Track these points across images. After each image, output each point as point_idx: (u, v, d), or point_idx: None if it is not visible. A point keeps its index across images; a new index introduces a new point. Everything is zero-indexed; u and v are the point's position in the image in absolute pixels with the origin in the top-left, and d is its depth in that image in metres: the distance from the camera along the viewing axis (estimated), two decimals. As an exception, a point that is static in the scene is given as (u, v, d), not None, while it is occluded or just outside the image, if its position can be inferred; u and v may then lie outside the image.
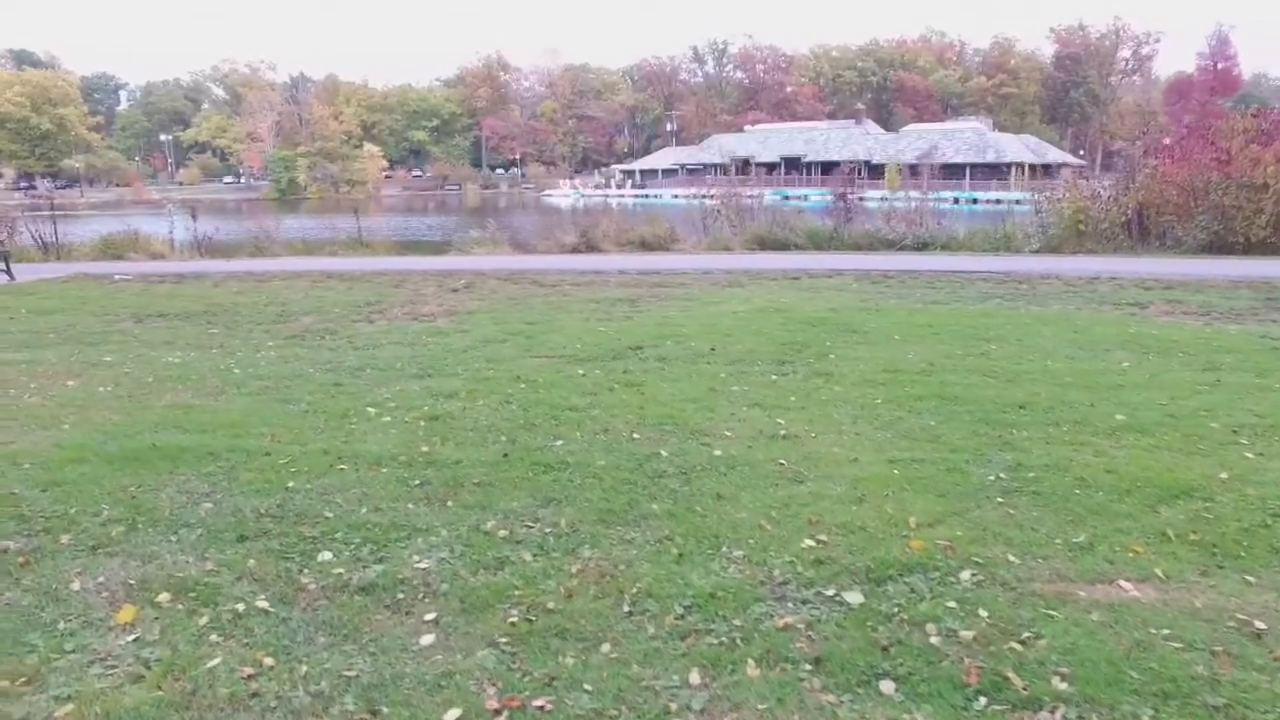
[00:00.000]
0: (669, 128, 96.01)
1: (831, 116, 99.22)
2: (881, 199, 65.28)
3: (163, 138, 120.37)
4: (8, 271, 12.95)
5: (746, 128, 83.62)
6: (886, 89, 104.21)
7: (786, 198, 73.71)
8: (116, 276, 12.95)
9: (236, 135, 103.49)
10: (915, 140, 68.71)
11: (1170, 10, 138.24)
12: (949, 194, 66.15)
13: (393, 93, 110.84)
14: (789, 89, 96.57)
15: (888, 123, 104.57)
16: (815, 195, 73.45)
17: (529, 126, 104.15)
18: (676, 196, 78.28)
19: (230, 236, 36.57)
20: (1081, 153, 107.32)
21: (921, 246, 16.14)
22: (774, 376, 5.50)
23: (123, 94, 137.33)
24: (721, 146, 78.63)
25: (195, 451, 3.91)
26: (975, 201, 63.03)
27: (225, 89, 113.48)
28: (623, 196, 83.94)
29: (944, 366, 5.69)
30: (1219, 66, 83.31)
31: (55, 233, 19.62)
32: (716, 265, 12.94)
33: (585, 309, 8.76)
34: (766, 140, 76.48)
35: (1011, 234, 16.43)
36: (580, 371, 5.68)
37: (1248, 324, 7.69)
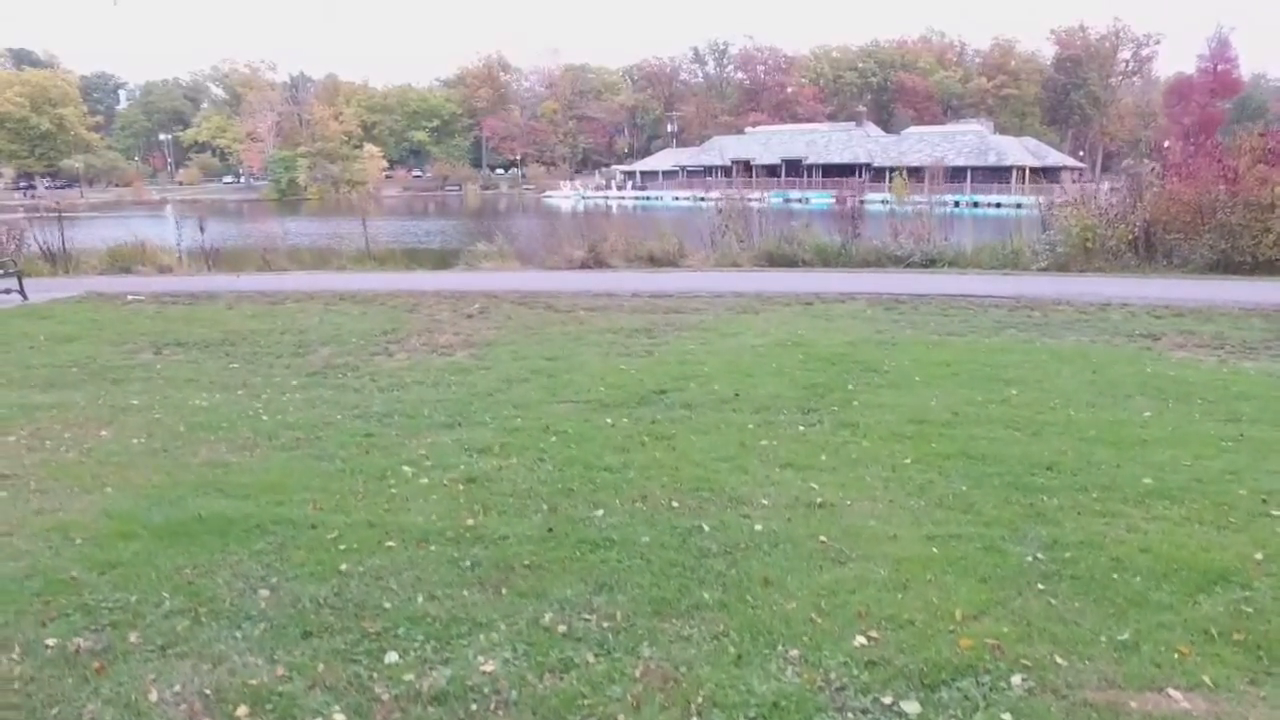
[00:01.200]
0: (669, 129, 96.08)
1: (832, 118, 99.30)
2: (883, 202, 65.22)
3: (162, 137, 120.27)
4: (21, 291, 13.00)
5: (747, 129, 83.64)
6: (887, 90, 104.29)
7: (788, 200, 73.99)
8: (129, 297, 12.98)
9: (236, 135, 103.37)
10: (916, 143, 68.80)
11: (1170, 11, 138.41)
12: (950, 197, 66.34)
13: (393, 93, 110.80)
14: (789, 90, 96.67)
15: (888, 124, 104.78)
16: (816, 198, 73.66)
17: (529, 127, 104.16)
18: (677, 199, 78.39)
19: (235, 242, 36.64)
20: (1081, 154, 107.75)
21: (929, 263, 16.21)
22: (801, 428, 5.57)
23: (122, 93, 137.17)
24: (722, 148, 78.72)
25: (242, 524, 3.97)
26: (976, 205, 63.23)
27: (225, 89, 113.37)
28: (623, 199, 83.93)
29: (968, 416, 5.76)
30: (1219, 69, 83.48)
31: (62, 243, 19.65)
32: (727, 286, 13.00)
33: (603, 340, 8.82)
34: (767, 142, 76.54)
35: (1019, 250, 16.49)
36: (608, 421, 5.75)
37: (1262, 360, 7.77)
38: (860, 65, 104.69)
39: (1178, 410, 5.90)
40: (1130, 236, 15.58)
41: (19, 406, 6.41)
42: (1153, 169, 16.65)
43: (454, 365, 7.73)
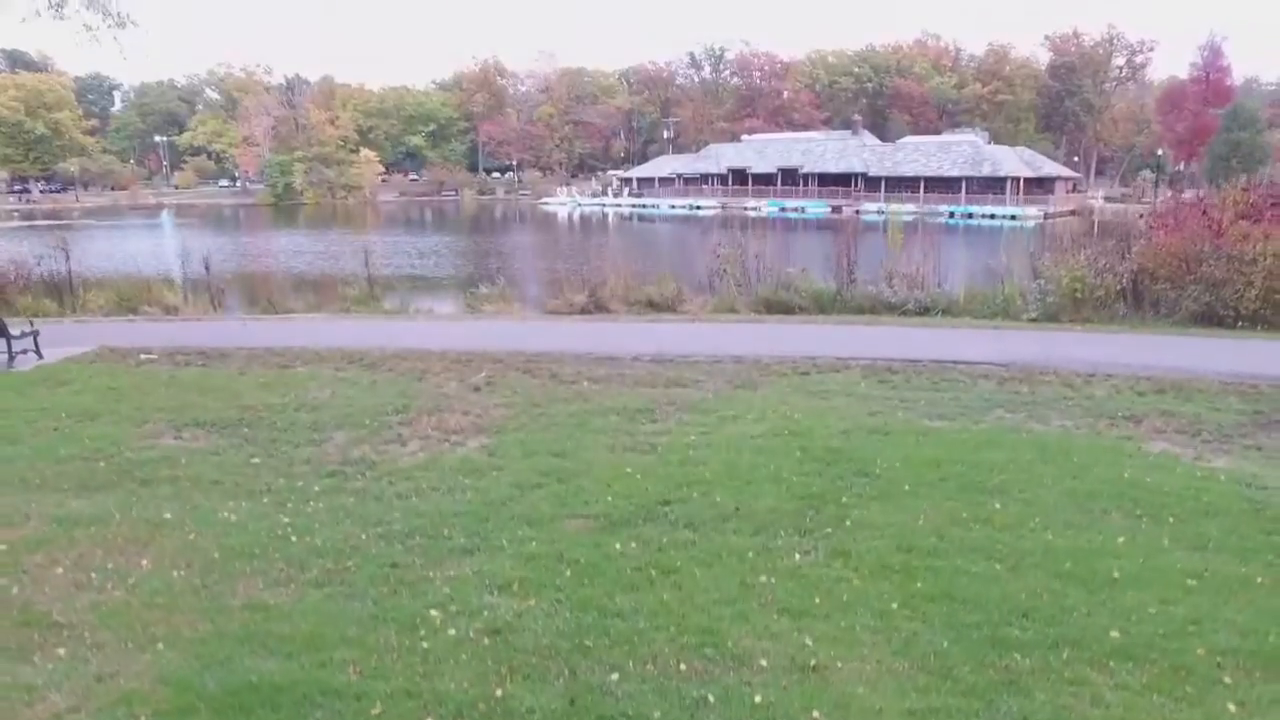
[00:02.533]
0: (665, 135, 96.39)
1: (828, 123, 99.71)
2: (878, 211, 66.44)
3: (158, 139, 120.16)
4: (36, 350, 13.32)
5: (744, 137, 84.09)
6: (883, 95, 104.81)
7: (784, 209, 74.30)
8: (142, 356, 13.32)
9: (232, 140, 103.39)
10: (911, 153, 69.34)
11: (1164, 15, 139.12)
12: (944, 208, 66.84)
13: (389, 96, 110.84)
14: (785, 95, 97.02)
15: (883, 128, 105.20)
16: (812, 207, 74.09)
17: (525, 132, 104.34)
18: (674, 207, 78.85)
19: (235, 263, 36.85)
20: (1076, 158, 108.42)
21: (923, 311, 16.65)
22: (797, 556, 5.97)
23: (116, 95, 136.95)
24: (719, 156, 79.14)
25: (290, 693, 4.35)
26: (970, 216, 63.74)
27: (220, 93, 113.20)
28: (619, 206, 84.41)
29: (952, 541, 6.17)
30: (1211, 77, 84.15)
31: (70, 282, 19.98)
32: (726, 347, 13.34)
33: (607, 425, 9.19)
34: (764, 151, 77.01)
35: (1011, 297, 16.93)
36: (617, 546, 6.14)
37: (1234, 454, 8.21)
38: (856, 70, 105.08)
39: (1149, 534, 6.31)
40: (1119, 287, 16.05)
41: (58, 520, 6.77)
42: (1141, 215, 17.05)
43: (466, 464, 8.09)
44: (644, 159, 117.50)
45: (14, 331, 13.08)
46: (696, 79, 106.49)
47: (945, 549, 6.07)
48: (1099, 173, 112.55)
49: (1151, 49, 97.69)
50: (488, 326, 16.13)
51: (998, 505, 6.86)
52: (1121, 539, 6.22)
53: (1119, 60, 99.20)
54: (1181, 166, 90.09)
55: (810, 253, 22.78)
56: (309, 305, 19.48)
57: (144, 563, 6.02)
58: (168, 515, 6.89)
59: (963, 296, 17.12)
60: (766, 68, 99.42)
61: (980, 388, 10.80)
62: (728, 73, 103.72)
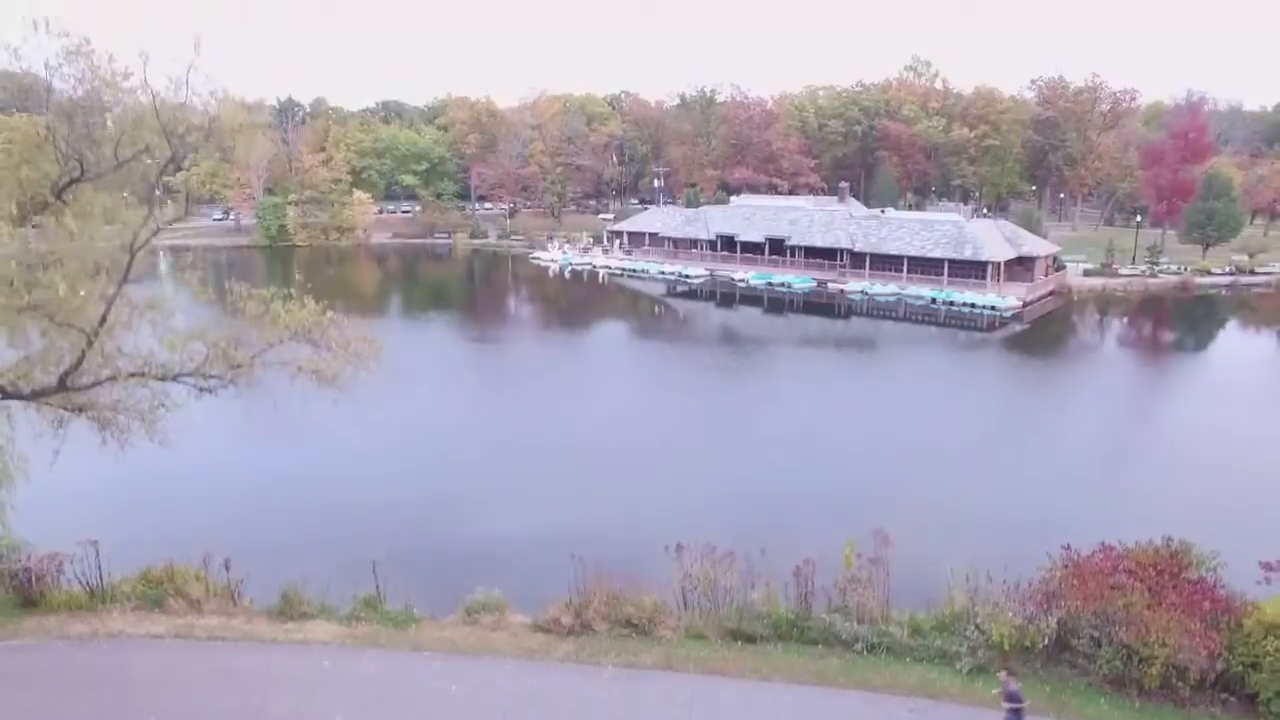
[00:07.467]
0: (656, 185, 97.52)
1: (816, 170, 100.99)
2: (862, 292, 68.83)
3: (148, 161, 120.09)
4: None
5: (733, 199, 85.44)
6: (872, 136, 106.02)
7: (770, 283, 76.13)
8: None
9: (226, 180, 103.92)
10: (896, 229, 71.00)
11: (1151, 38, 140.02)
12: (927, 293, 68.63)
13: (384, 134, 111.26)
14: (775, 146, 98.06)
15: (872, 170, 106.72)
16: (798, 282, 75.95)
17: (516, 174, 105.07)
18: (663, 272, 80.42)
19: (234, 425, 38.16)
20: (1061, 195, 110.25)
21: (871, 648, 18.74)
22: None
23: (107, 117, 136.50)
24: (708, 221, 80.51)
25: None
26: (952, 304, 65.60)
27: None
28: (609, 266, 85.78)
29: None
30: (1190, 136, 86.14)
31: (100, 575, 21.79)
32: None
33: None
34: (751, 218, 78.48)
35: (951, 622, 18.98)
36: None
37: None
38: (845, 113, 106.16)
39: None
40: (1043, 643, 18.12)
41: None
42: (1062, 565, 19.00)
43: None
44: (635, 189, 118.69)
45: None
46: (687, 121, 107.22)
47: None
48: (1086, 199, 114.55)
49: (1133, 98, 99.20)
50: (482, 679, 18.04)
51: None
52: None
53: (1103, 107, 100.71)
54: (1164, 206, 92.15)
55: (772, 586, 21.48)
56: (321, 598, 21.27)
57: None
58: None
59: (907, 629, 19.14)
60: (757, 119, 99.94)
61: None
62: (717, 120, 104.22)
